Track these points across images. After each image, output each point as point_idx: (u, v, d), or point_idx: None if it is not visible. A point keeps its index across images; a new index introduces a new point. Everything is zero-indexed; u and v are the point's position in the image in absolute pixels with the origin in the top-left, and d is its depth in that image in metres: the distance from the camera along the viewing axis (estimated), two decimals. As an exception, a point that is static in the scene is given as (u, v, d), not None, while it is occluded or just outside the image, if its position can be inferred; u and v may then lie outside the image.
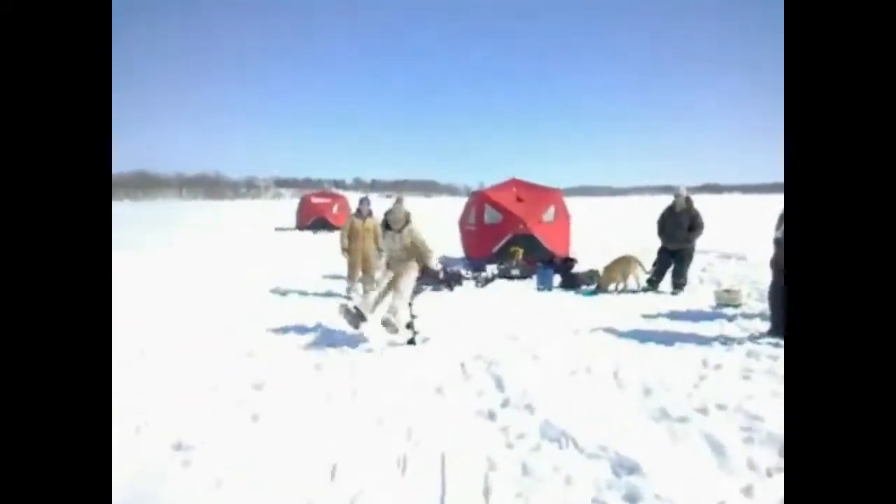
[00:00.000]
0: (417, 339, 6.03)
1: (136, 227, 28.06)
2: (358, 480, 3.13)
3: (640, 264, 9.40)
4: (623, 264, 9.36)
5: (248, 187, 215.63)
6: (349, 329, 6.49)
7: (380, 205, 10.29)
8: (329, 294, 9.16)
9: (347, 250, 8.86)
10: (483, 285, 9.87)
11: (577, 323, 6.84)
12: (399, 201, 10.38)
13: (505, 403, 4.25)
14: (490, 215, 11.93)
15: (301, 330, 6.62)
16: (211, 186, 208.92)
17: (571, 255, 11.73)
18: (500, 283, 10.08)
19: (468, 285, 9.85)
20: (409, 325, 6.05)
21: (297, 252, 15.70)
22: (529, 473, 3.21)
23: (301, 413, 4.07)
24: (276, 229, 26.53)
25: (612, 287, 9.25)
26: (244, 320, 7.12)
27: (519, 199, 12.00)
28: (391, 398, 4.38)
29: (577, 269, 10.67)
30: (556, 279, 9.95)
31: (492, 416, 4.05)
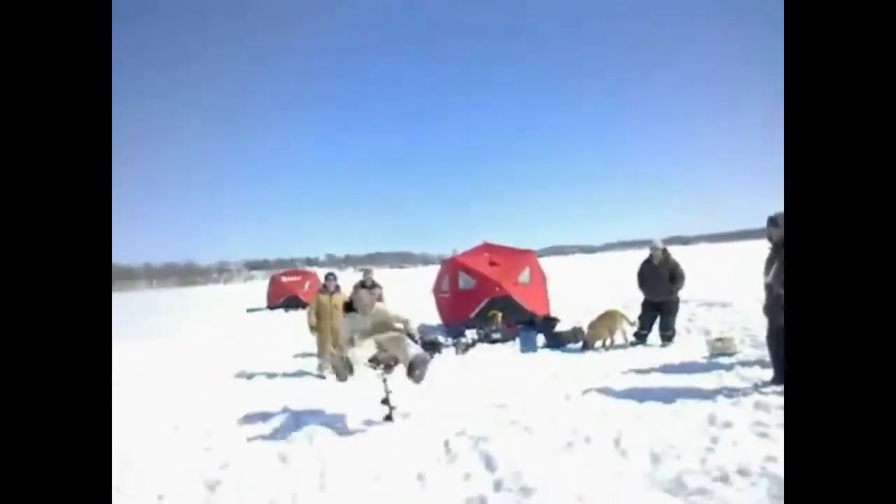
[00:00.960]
0: (395, 414, 5.45)
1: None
2: None
3: (626, 318, 9.01)
4: (608, 319, 8.97)
5: (220, 272, 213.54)
6: (317, 409, 5.91)
7: (357, 278, 9.88)
8: (299, 374, 8.53)
9: (316, 328, 8.33)
10: (464, 352, 9.33)
11: (567, 385, 6.34)
12: (368, 272, 9.99)
13: (497, 487, 3.69)
14: (464, 281, 11.53)
15: (265, 416, 5.98)
16: (182, 274, 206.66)
17: (553, 315, 11.31)
18: (482, 349, 9.55)
19: (448, 353, 9.30)
20: (386, 401, 5.48)
21: (266, 332, 14.96)
22: (534, 577, 2.64)
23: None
24: (248, 310, 25.71)
25: (598, 344, 8.80)
26: (202, 408, 6.44)
27: (492, 263, 11.66)
28: (365, 492, 3.79)
29: (560, 327, 10.23)
30: (540, 339, 9.47)
31: (483, 502, 3.48)
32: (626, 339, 8.87)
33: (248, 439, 5.17)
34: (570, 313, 12.39)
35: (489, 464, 4.05)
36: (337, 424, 5.43)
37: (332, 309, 8.34)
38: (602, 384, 6.22)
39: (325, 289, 8.58)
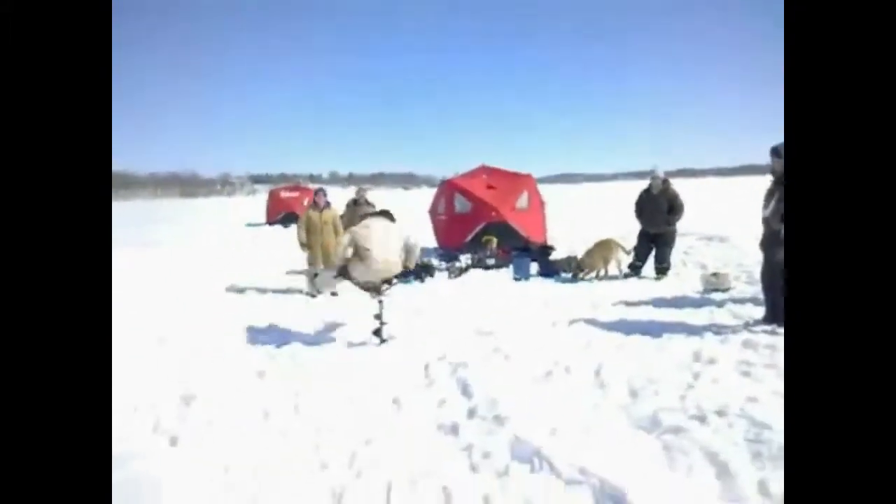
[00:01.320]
0: (384, 331, 5.42)
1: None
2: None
3: (623, 247, 8.85)
4: (604, 248, 8.80)
5: (223, 184, 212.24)
6: (304, 327, 5.88)
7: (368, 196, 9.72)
8: (288, 290, 8.46)
9: (306, 244, 8.18)
10: (456, 276, 9.25)
11: (555, 314, 6.27)
12: (362, 190, 9.77)
13: (471, 414, 3.65)
14: (460, 204, 11.30)
15: (251, 332, 5.95)
16: (186, 185, 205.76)
17: (549, 243, 11.16)
18: (475, 274, 9.45)
19: (441, 277, 9.22)
20: (378, 316, 5.42)
21: (262, 247, 14.88)
22: (493, 509, 2.60)
23: (227, 436, 3.42)
24: (247, 225, 25.63)
25: (592, 273, 8.68)
26: (188, 321, 6.41)
27: (489, 187, 11.39)
28: (338, 413, 3.75)
29: (555, 255, 10.10)
30: (534, 267, 9.35)
31: (454, 430, 3.44)
32: (620, 270, 8.73)
33: (230, 354, 5.14)
34: (567, 242, 12.25)
35: (465, 390, 4.00)
36: (320, 343, 5.41)
37: (322, 225, 8.18)
38: (590, 315, 6.14)
39: (314, 205, 8.36)
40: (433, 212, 12.44)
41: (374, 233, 5.38)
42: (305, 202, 24.75)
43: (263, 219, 26.40)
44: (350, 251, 5.40)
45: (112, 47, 1.99)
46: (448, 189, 11.78)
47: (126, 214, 39.71)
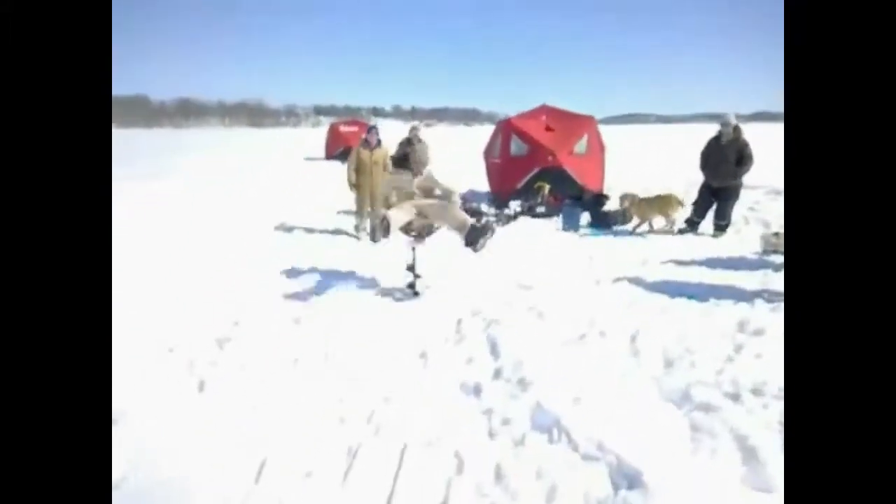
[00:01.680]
0: (418, 284, 5.40)
1: (164, 154, 27.79)
2: (286, 483, 2.55)
3: (682, 205, 8.39)
4: (662, 203, 8.38)
5: (289, 115, 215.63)
6: (345, 273, 5.93)
7: (421, 135, 9.55)
8: (337, 232, 8.56)
9: (355, 185, 8.14)
10: (504, 224, 9.09)
11: (600, 270, 6.09)
12: (415, 128, 9.60)
13: (496, 375, 3.61)
14: (516, 146, 10.94)
15: (293, 273, 6.06)
16: (252, 114, 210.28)
17: (605, 192, 10.77)
18: (524, 222, 9.27)
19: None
20: (411, 268, 5.41)
21: (317, 183, 15.05)
22: (503, 479, 2.57)
23: (255, 382, 3.52)
24: (306, 159, 25.92)
25: (644, 226, 8.33)
26: (233, 260, 6.60)
27: (548, 129, 10.94)
28: (365, 365, 3.78)
29: (609, 206, 9.75)
30: (585, 218, 9.07)
31: (477, 391, 3.42)
32: (673, 230, 8.32)
33: (269, 297, 5.25)
34: (625, 190, 11.82)
35: (494, 349, 3.95)
36: (359, 290, 5.44)
37: (372, 166, 8.07)
38: (637, 272, 5.91)
39: (365, 143, 8.25)
40: (487, 154, 12.14)
41: (419, 152, 5.43)
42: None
43: (323, 153, 26.53)
44: (389, 189, 5.39)
45: (112, 48, 1.94)
46: (505, 129, 11.41)
47: (191, 141, 40.85)
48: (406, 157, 9.10)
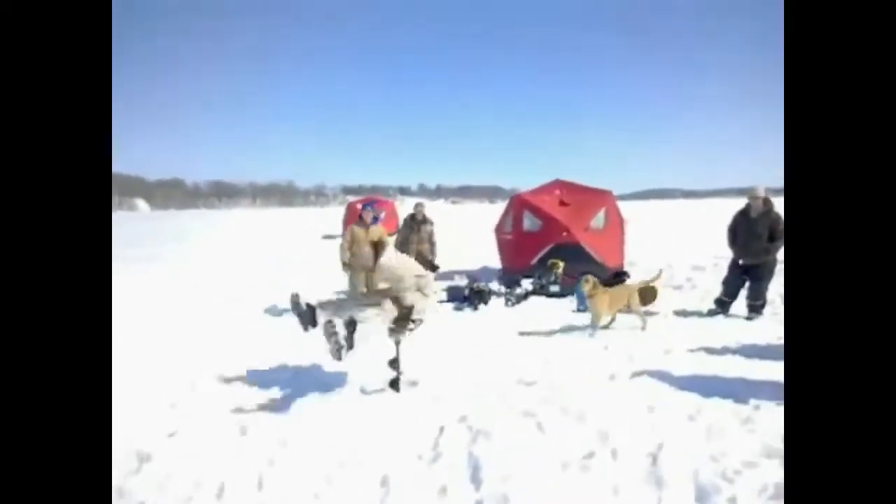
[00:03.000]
0: (402, 381, 4.62)
1: (184, 237, 27.88)
2: None
3: (655, 296, 7.44)
4: (617, 296, 7.02)
5: (317, 195, 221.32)
6: (321, 366, 5.18)
7: (444, 210, 8.97)
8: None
9: (349, 265, 7.51)
10: (514, 304, 8.32)
11: (616, 361, 5.24)
12: (419, 206, 9.04)
13: (472, 514, 2.75)
14: (529, 221, 10.30)
15: (260, 367, 5.30)
16: (283, 195, 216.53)
17: (625, 268, 9.98)
18: (535, 302, 8.48)
19: (496, 304, 8.31)
20: (394, 363, 4.65)
21: (325, 263, 14.50)
22: None
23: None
24: (324, 237, 25.74)
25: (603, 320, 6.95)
26: (200, 348, 5.87)
27: (562, 203, 10.31)
28: (307, 495, 2.96)
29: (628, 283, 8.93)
30: (603, 298, 8.23)
31: (445, 541, 2.56)
32: (642, 321, 6.93)
33: (221, 396, 4.50)
34: (648, 265, 11.00)
35: (476, 474, 3.11)
36: (330, 390, 4.64)
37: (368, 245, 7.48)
38: (660, 365, 5.04)
39: (360, 220, 7.69)
40: (499, 230, 11.50)
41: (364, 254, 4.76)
42: (382, 215, 24.55)
43: (340, 230, 26.39)
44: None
45: (112, 53, 1.99)
46: (517, 204, 10.82)
47: (226, 223, 41.38)
48: (408, 241, 8.54)
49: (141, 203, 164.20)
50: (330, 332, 4.05)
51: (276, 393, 4.53)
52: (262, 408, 4.18)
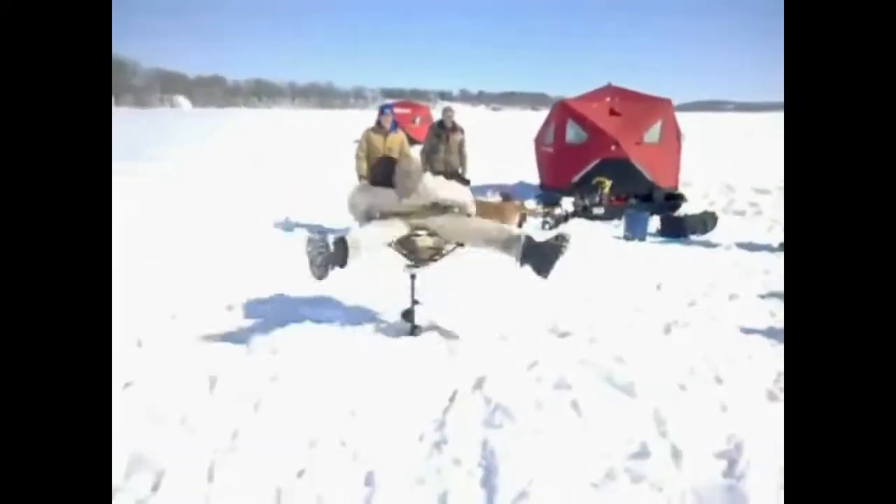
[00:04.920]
0: (418, 319, 3.90)
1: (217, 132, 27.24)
2: None
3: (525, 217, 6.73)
4: (500, 211, 6.71)
5: (357, 97, 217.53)
6: (338, 291, 4.47)
7: (484, 118, 7.96)
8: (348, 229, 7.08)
9: (364, 177, 6.63)
10: (552, 226, 7.39)
11: (671, 307, 4.37)
12: (448, 111, 7.96)
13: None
14: (574, 132, 9.18)
15: (259, 298, 4.61)
16: (322, 96, 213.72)
17: (679, 190, 8.88)
18: (577, 226, 7.52)
19: (531, 227, 7.39)
20: (408, 313, 3.91)
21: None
22: None
23: None
24: (355, 141, 24.74)
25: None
26: (202, 272, 5.18)
27: (613, 113, 9.11)
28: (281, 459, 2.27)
29: (685, 209, 7.89)
30: (654, 223, 7.24)
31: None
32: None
33: (192, 332, 3.84)
34: (705, 187, 9.87)
35: (487, 479, 2.33)
36: (335, 327, 3.91)
37: (387, 153, 6.55)
38: (726, 316, 4.16)
39: (377, 126, 6.73)
40: (539, 141, 10.39)
41: (405, 172, 3.78)
42: (417, 121, 23.30)
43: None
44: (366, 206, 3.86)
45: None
46: (560, 113, 9.65)
47: (267, 123, 40.73)
48: (436, 150, 7.53)
49: (182, 100, 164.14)
50: (318, 247, 3.33)
51: (259, 331, 3.80)
52: (238, 353, 3.46)
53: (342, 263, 3.39)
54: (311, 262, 3.31)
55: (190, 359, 3.31)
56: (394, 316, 4.06)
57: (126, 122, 38.23)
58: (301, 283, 4.86)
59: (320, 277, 3.36)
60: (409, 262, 3.90)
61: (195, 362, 3.24)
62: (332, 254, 3.36)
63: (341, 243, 3.40)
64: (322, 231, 6.84)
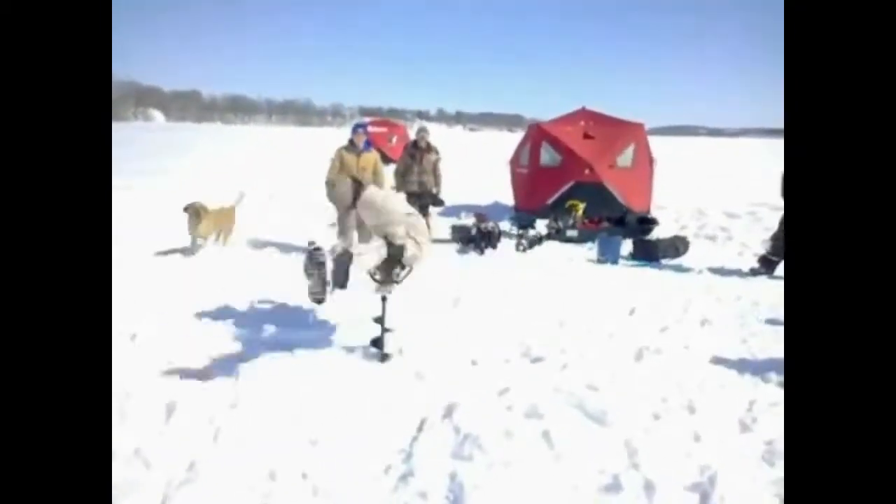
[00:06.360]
0: (388, 346, 3.76)
1: (190, 151, 26.88)
2: None
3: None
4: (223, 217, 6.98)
5: (334, 115, 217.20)
6: (308, 310, 4.36)
7: (460, 138, 7.89)
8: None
9: (335, 199, 6.53)
10: (526, 248, 7.37)
11: (644, 332, 4.35)
12: (423, 131, 7.92)
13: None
14: (548, 155, 9.22)
15: (227, 309, 4.48)
16: (299, 113, 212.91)
17: (652, 214, 8.95)
18: (550, 248, 7.52)
19: (505, 248, 7.36)
20: (380, 320, 3.77)
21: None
22: None
23: None
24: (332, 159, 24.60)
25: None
26: (165, 288, 5.01)
27: (587, 136, 9.18)
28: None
29: (657, 233, 7.94)
30: (627, 247, 7.26)
31: None
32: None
33: (155, 350, 3.68)
34: (677, 210, 9.99)
35: (457, 499, 2.25)
36: (301, 350, 3.77)
37: (360, 172, 6.47)
38: (698, 342, 4.15)
39: (350, 145, 6.64)
40: (514, 163, 10.42)
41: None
42: (393, 140, 23.26)
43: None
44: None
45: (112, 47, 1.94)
46: (535, 136, 9.71)
47: (242, 139, 40.31)
48: (410, 170, 7.47)
49: (157, 114, 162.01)
50: (316, 263, 3.35)
51: (221, 353, 3.67)
52: (198, 378, 3.32)
53: (342, 285, 3.43)
54: (311, 290, 3.41)
55: (148, 384, 3.16)
56: (361, 339, 3.94)
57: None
58: (268, 301, 4.76)
59: (322, 301, 3.36)
60: (378, 284, 3.83)
61: (153, 388, 3.09)
62: (334, 271, 3.38)
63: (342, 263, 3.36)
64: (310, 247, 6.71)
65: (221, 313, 4.51)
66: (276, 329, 4.19)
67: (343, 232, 6.53)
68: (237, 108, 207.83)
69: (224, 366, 3.46)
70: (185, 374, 3.37)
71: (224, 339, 3.98)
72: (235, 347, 3.79)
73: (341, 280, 3.46)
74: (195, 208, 6.40)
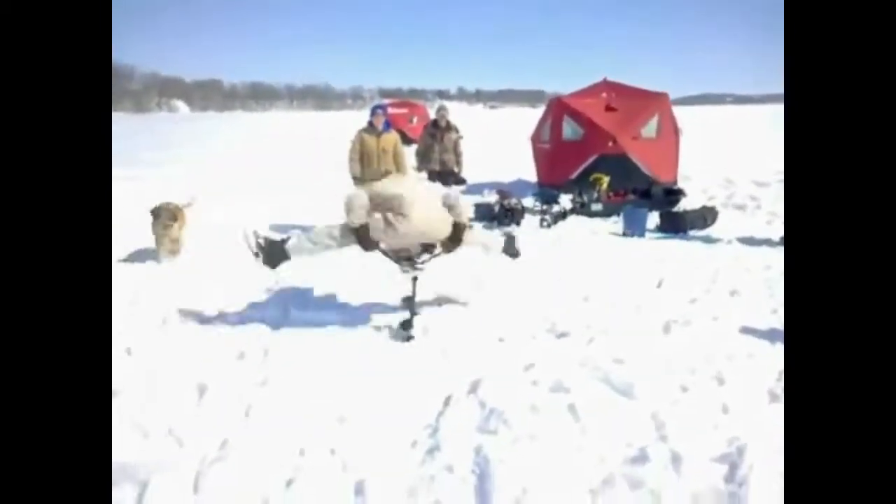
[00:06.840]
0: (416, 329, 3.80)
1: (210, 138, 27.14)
2: None
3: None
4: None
5: (354, 98, 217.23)
6: (334, 289, 4.48)
7: (481, 116, 7.82)
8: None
9: (359, 179, 6.53)
10: (551, 224, 7.30)
11: (672, 305, 4.30)
12: (442, 109, 7.85)
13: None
14: (570, 129, 9.08)
15: (254, 299, 4.53)
16: (319, 97, 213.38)
17: (678, 185, 8.79)
18: (575, 223, 7.44)
19: (529, 224, 7.31)
20: (409, 300, 3.92)
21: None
22: None
23: None
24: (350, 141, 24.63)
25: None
26: (194, 275, 5.10)
27: (609, 108, 9.00)
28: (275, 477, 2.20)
29: (684, 204, 7.80)
30: (653, 219, 7.15)
31: None
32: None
33: (183, 338, 3.75)
34: (704, 181, 9.79)
35: (481, 487, 2.26)
36: (328, 329, 3.84)
37: (380, 154, 6.47)
38: (727, 314, 4.08)
39: (369, 126, 6.62)
40: (536, 138, 10.29)
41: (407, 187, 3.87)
42: (414, 120, 23.15)
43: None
44: (370, 215, 3.69)
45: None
46: (556, 109, 9.57)
47: (261, 126, 40.53)
48: (431, 150, 7.43)
49: (180, 104, 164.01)
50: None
51: (251, 334, 3.74)
52: (229, 357, 3.40)
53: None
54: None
55: (180, 366, 3.23)
56: (388, 318, 3.98)
57: (123, 128, 38.11)
58: (295, 284, 4.81)
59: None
60: (403, 267, 3.88)
61: (185, 369, 3.16)
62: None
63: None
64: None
65: (249, 294, 4.59)
66: (304, 310, 4.25)
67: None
68: (258, 96, 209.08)
69: (253, 345, 3.53)
70: (216, 354, 3.44)
71: (252, 319, 4.04)
72: (264, 328, 3.85)
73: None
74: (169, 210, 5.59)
